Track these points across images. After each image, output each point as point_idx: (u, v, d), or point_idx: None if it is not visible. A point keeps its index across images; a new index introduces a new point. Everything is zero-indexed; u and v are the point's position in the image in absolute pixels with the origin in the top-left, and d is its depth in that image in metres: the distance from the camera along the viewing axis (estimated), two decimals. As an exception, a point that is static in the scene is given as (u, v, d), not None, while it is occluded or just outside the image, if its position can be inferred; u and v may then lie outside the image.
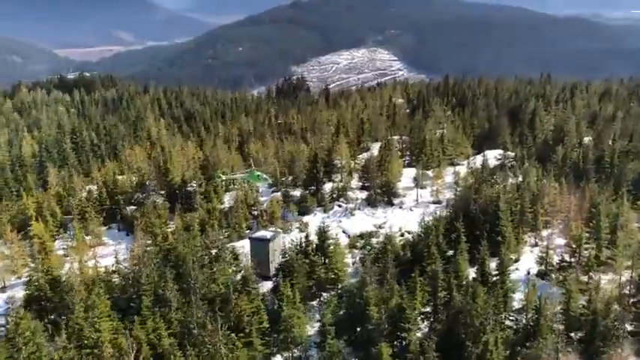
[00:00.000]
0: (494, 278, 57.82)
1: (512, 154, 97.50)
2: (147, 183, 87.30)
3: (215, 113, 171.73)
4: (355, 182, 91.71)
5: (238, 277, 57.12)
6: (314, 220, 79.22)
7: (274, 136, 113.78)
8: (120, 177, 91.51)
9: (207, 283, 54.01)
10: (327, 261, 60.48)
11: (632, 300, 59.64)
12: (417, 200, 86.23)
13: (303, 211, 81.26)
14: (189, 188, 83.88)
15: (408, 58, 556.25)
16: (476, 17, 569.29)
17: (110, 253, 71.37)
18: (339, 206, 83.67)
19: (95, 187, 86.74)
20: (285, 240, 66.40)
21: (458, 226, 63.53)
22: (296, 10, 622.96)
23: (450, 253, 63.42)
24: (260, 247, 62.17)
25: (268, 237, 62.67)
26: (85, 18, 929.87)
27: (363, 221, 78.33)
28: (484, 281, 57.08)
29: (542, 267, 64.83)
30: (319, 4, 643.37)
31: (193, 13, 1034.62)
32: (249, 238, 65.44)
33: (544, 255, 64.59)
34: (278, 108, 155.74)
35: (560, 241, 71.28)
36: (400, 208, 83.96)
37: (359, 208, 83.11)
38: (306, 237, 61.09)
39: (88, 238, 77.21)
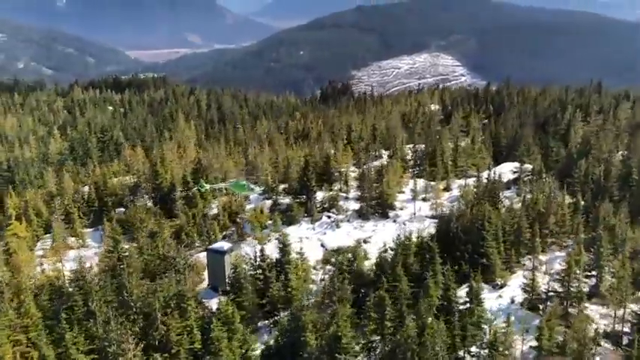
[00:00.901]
0: (463, 307, 51.70)
1: (530, 166, 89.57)
2: (141, 185, 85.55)
3: (249, 115, 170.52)
4: (354, 192, 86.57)
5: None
6: (298, 230, 75.22)
7: (289, 141, 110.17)
8: (118, 178, 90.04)
9: (146, 297, 50.81)
10: (284, 277, 56.21)
11: (626, 339, 52.49)
12: (414, 214, 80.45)
13: (290, 221, 77.20)
14: (178, 192, 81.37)
15: (471, 64, 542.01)
16: (543, 22, 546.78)
17: (90, 256, 70.09)
18: (328, 217, 79.08)
19: (86, 188, 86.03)
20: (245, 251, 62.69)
21: (432, 246, 57.82)
22: (359, 14, 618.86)
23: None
24: (216, 259, 58.74)
25: (225, 249, 59.03)
26: (161, 22, 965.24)
27: (348, 235, 73.55)
28: (449, 310, 51.31)
29: (529, 295, 57.95)
30: (383, 8, 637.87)
31: (261, 17, 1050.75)
32: (207, 249, 62.03)
33: (531, 282, 57.57)
34: (305, 112, 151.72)
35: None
36: (394, 221, 78.45)
37: (348, 220, 78.28)
38: (262, 250, 56.90)
39: (71, 239, 76.16)
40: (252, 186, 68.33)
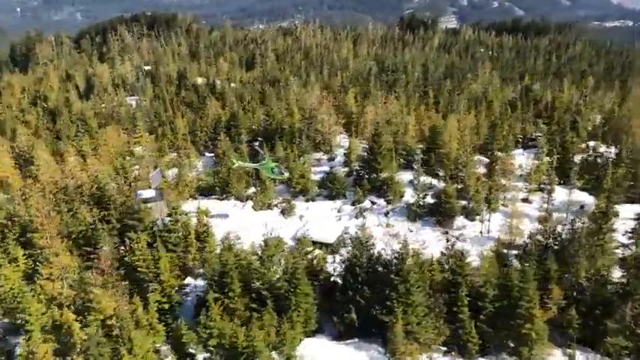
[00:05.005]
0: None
1: None
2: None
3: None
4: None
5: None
6: (325, 206, 63.82)
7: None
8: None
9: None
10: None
11: None
12: (481, 233, 56.92)
13: (332, 196, 65.54)
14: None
15: None
16: None
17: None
18: (372, 203, 63.25)
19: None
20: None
21: (298, 276, 41.76)
22: None
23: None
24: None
25: (141, 196, 55.88)
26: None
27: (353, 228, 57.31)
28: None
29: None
30: None
31: None
32: (136, 192, 58.91)
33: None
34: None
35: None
36: (445, 232, 57.26)
37: (386, 214, 60.93)
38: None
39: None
40: (282, 171, 59.24)
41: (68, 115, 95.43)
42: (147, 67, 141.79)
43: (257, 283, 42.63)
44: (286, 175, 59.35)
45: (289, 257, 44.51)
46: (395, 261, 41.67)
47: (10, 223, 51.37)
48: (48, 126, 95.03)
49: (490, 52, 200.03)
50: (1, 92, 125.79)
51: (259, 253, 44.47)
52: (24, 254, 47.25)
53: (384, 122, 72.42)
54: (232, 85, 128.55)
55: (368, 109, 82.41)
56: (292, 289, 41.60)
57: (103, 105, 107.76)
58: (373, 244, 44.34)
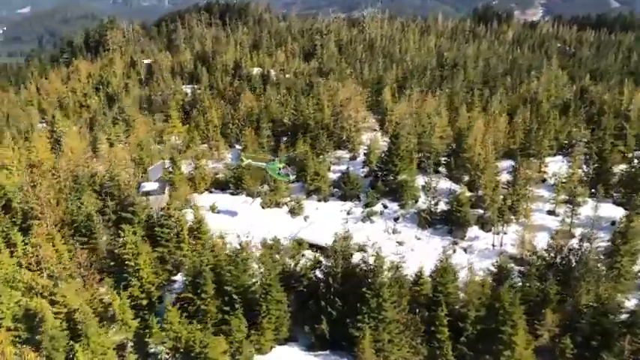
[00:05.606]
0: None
1: None
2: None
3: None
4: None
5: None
6: (336, 207, 61.81)
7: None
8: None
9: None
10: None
11: None
12: (493, 245, 53.16)
13: (345, 197, 63.34)
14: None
15: None
16: None
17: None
18: (384, 206, 60.38)
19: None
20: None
21: (271, 282, 40.38)
22: None
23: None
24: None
25: (144, 187, 56.02)
26: None
27: (357, 233, 54.69)
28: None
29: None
30: None
31: None
32: (139, 184, 58.84)
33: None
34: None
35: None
36: (453, 243, 53.87)
37: (396, 219, 58.04)
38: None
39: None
40: (288, 172, 57.82)
41: (126, 101, 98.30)
42: (147, 61, 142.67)
43: (230, 287, 41.46)
44: (292, 177, 58.37)
45: (267, 261, 43.22)
46: (371, 274, 39.41)
47: (19, 207, 53.14)
48: (105, 111, 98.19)
49: (567, 48, 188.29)
50: (70, 77, 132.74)
51: (233, 255, 43.10)
52: (23, 240, 48.54)
53: (411, 121, 69.13)
54: (287, 76, 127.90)
55: (398, 106, 79.10)
56: (263, 295, 40.36)
57: (160, 92, 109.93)
58: (351, 254, 42.16)
